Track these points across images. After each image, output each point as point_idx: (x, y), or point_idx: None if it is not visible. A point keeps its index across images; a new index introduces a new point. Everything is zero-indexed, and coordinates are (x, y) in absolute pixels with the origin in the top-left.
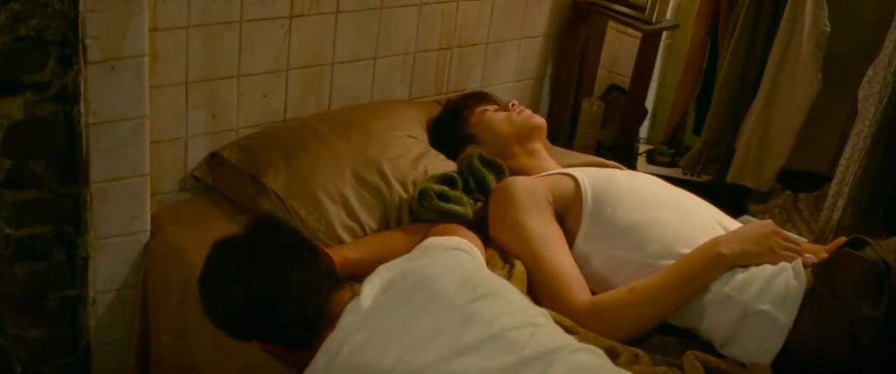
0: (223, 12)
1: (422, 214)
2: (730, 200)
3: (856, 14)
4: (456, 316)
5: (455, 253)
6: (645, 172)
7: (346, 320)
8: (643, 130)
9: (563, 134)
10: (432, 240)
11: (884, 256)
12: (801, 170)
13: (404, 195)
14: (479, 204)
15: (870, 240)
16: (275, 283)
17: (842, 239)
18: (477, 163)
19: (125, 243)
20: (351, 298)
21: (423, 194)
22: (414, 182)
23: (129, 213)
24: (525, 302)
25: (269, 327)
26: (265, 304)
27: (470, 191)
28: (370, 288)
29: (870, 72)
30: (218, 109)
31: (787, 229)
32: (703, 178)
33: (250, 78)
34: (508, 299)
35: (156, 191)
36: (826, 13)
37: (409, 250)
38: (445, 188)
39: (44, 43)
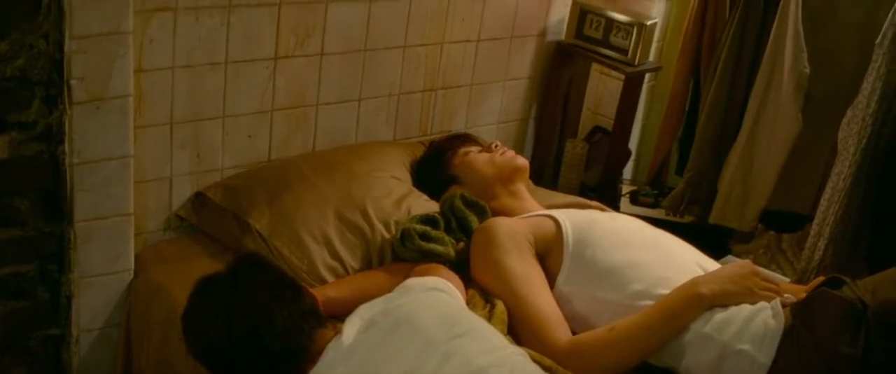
0: (208, 54)
1: (403, 254)
2: (713, 240)
3: (835, 56)
4: (435, 354)
5: (434, 293)
6: (628, 213)
7: (328, 356)
8: (627, 171)
9: (547, 175)
10: (412, 280)
11: (861, 295)
12: (784, 210)
13: (387, 236)
14: (462, 244)
15: (847, 279)
16: (257, 320)
17: (820, 278)
18: (459, 204)
19: (109, 281)
20: (333, 336)
21: (404, 234)
22: (396, 223)
23: (113, 252)
24: (503, 341)
25: (251, 364)
26: (248, 340)
27: (452, 231)
28: (351, 327)
29: (849, 113)
30: (203, 150)
31: (772, 270)
32: (687, 218)
33: (235, 118)
34: (487, 338)
35: (140, 230)
36: (805, 55)
37: (390, 289)
38: (428, 228)
39: (29, 83)
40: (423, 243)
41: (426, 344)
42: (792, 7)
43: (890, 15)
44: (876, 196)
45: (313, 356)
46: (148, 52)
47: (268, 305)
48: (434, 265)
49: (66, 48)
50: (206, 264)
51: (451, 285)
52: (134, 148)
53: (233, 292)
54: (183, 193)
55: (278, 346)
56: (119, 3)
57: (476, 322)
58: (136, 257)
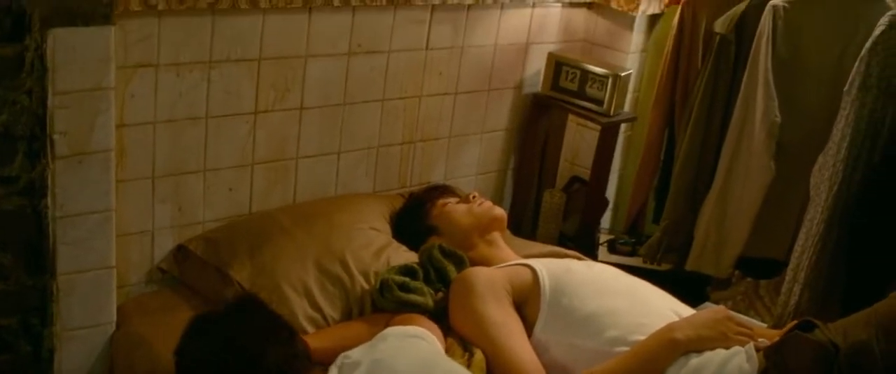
0: (189, 108)
1: (383, 304)
2: (690, 287)
3: (805, 104)
4: None
5: (413, 340)
6: (606, 262)
7: None
8: (605, 221)
9: (526, 225)
10: (391, 329)
11: (832, 337)
12: (760, 257)
13: (366, 287)
14: (440, 294)
15: (819, 322)
16: (251, 358)
17: (793, 322)
18: (437, 254)
19: (91, 334)
20: None
21: (383, 285)
22: (376, 273)
23: (96, 305)
24: None
25: None
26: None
27: (431, 282)
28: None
29: (820, 159)
30: (184, 203)
31: (750, 316)
32: (664, 266)
33: (216, 172)
34: None
35: (122, 283)
36: (776, 104)
37: (370, 338)
38: (407, 279)
39: (12, 138)
40: (402, 294)
41: None
42: (762, 57)
43: (857, 63)
44: (849, 241)
45: None
46: (130, 107)
47: (262, 344)
48: (413, 315)
49: (49, 103)
50: (188, 317)
51: (429, 333)
52: (116, 202)
53: (228, 330)
54: (165, 246)
55: None
56: (101, 59)
57: (454, 369)
58: (119, 309)
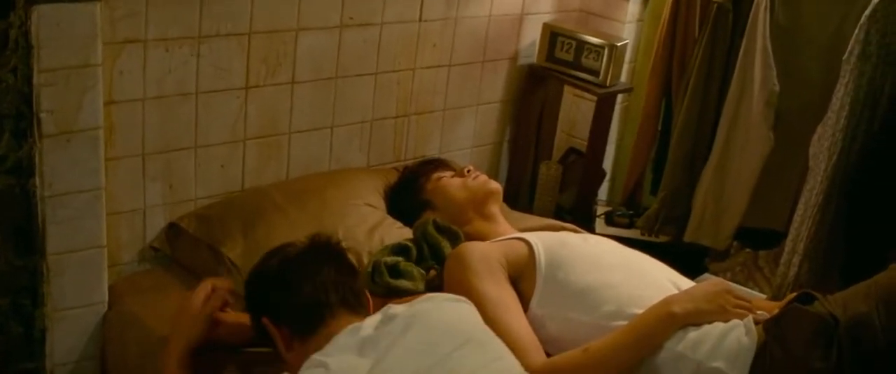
0: (179, 84)
1: (373, 289)
2: (689, 259)
3: (803, 73)
4: (438, 368)
5: (457, 303)
6: (604, 234)
7: (341, 340)
8: (602, 192)
9: (522, 198)
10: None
11: (832, 310)
12: (759, 228)
13: (358, 266)
14: (433, 272)
15: (818, 294)
16: (308, 266)
17: (792, 295)
18: (431, 230)
19: (83, 314)
20: (355, 322)
21: (375, 269)
22: (369, 253)
23: (87, 285)
24: (505, 354)
25: (279, 300)
26: (288, 276)
27: (425, 259)
28: (372, 319)
29: (819, 129)
30: (175, 180)
31: (749, 287)
32: (662, 238)
33: (207, 149)
34: (490, 349)
35: (114, 262)
36: (774, 73)
37: None
38: (400, 259)
39: None
40: (391, 280)
41: (430, 355)
42: (760, 26)
43: (856, 31)
44: (848, 211)
45: (329, 328)
46: (118, 84)
47: (323, 262)
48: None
49: (35, 81)
50: (181, 295)
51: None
52: (106, 180)
53: (303, 249)
54: (156, 224)
55: (309, 292)
56: (88, 35)
57: (483, 334)
58: (110, 289)
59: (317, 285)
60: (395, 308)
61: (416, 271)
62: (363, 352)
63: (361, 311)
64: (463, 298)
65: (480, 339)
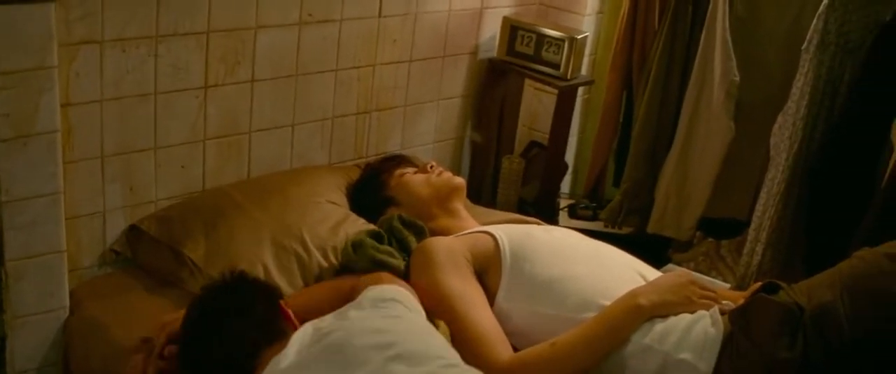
0: (136, 85)
1: (355, 261)
2: (652, 250)
3: (763, 63)
4: None
5: (389, 305)
6: (568, 227)
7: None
8: (565, 185)
9: (485, 192)
10: (369, 291)
11: (797, 299)
12: (721, 218)
13: (324, 263)
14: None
15: (783, 284)
16: (212, 327)
17: (757, 284)
18: (398, 224)
19: (44, 320)
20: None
21: (359, 244)
22: (334, 248)
23: (47, 290)
24: (443, 354)
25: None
26: (200, 348)
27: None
28: (291, 346)
29: (780, 119)
30: (135, 182)
31: (712, 276)
32: (625, 229)
33: (167, 150)
34: (424, 361)
35: (75, 266)
36: (734, 63)
37: (336, 298)
38: (375, 242)
39: None
40: (376, 253)
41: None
42: (719, 16)
43: (815, 20)
44: (810, 199)
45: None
46: (75, 86)
47: (225, 319)
48: (381, 273)
49: None
50: (143, 298)
51: (406, 292)
52: (64, 184)
53: (202, 309)
54: (117, 227)
55: (222, 359)
56: (43, 36)
57: (419, 341)
58: (71, 294)
59: (229, 345)
60: (314, 325)
61: (397, 251)
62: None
63: (282, 336)
64: (395, 294)
65: (412, 349)
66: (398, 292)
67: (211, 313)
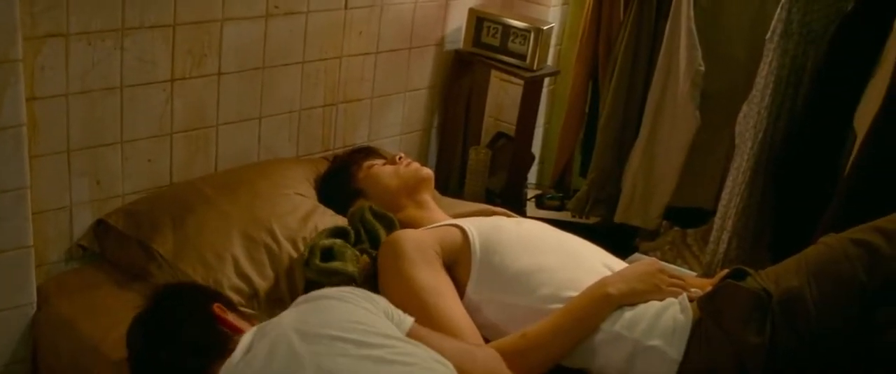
0: (102, 79)
1: (307, 273)
2: (619, 240)
3: (728, 53)
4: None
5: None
6: (535, 217)
7: None
8: (531, 176)
9: (453, 183)
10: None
11: (765, 285)
12: (687, 206)
13: (294, 254)
14: (366, 259)
15: (751, 270)
16: (154, 354)
17: (725, 271)
18: (369, 216)
19: (11, 316)
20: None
21: (310, 253)
22: (304, 239)
23: (14, 285)
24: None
25: None
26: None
27: (362, 243)
28: (241, 345)
29: (744, 108)
30: (102, 176)
31: (679, 265)
32: (592, 219)
33: (134, 143)
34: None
35: (41, 262)
36: (699, 53)
37: None
38: (338, 241)
39: None
40: (321, 263)
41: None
42: (684, 7)
43: (778, 10)
44: (775, 187)
45: None
46: (40, 80)
47: (164, 346)
48: None
49: None
50: (112, 293)
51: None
52: (30, 178)
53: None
54: (84, 221)
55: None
56: (7, 29)
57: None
58: (39, 289)
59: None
60: (264, 330)
61: (351, 252)
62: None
63: (224, 347)
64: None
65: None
66: (342, 292)
67: (145, 350)
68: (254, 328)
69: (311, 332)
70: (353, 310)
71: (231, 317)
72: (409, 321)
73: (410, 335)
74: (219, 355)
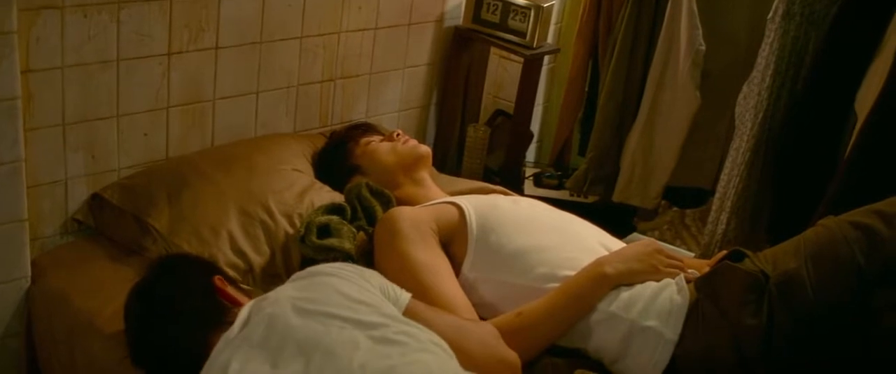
0: (98, 52)
1: (303, 251)
2: (617, 219)
3: (729, 32)
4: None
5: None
6: (533, 195)
7: (217, 349)
8: (530, 154)
9: (450, 160)
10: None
11: (762, 266)
12: (686, 186)
13: (289, 229)
14: (362, 236)
15: (748, 252)
16: (155, 328)
17: (722, 253)
18: (365, 193)
19: (5, 290)
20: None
21: (306, 230)
22: (300, 215)
23: (8, 259)
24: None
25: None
26: (149, 350)
27: (358, 219)
28: (240, 318)
29: (745, 88)
30: (98, 150)
31: (676, 245)
32: (591, 198)
33: (130, 117)
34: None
35: (36, 236)
36: (700, 32)
37: None
38: (334, 218)
39: None
40: (317, 240)
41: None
42: None
43: None
44: (774, 168)
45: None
46: (35, 52)
47: (168, 320)
48: None
49: None
50: (106, 268)
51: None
52: (25, 151)
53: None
54: (79, 195)
55: (173, 355)
56: (1, 1)
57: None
58: (33, 263)
59: (174, 344)
60: (258, 303)
61: (347, 229)
62: (242, 347)
63: (224, 318)
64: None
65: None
66: (339, 269)
67: (144, 319)
68: (251, 303)
69: (307, 309)
70: (349, 287)
71: (231, 290)
72: (406, 297)
73: (407, 311)
74: (217, 326)
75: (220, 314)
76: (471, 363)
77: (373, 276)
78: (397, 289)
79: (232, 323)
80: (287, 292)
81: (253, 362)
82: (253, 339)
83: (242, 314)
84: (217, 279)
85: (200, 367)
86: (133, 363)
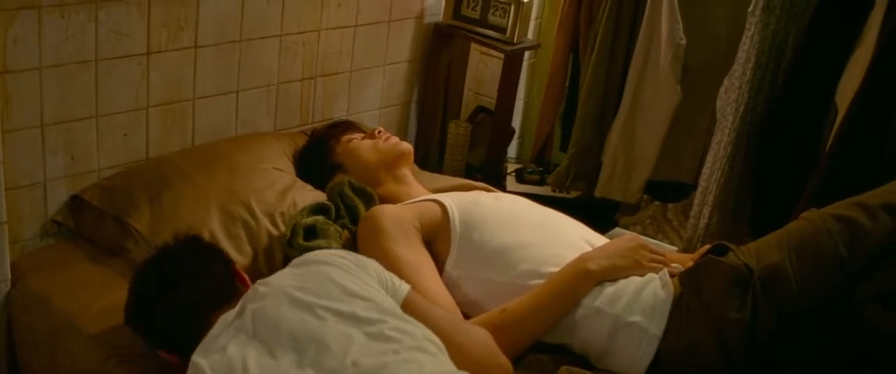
0: (76, 52)
1: (290, 252)
2: (600, 214)
3: (710, 26)
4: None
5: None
6: (515, 192)
7: (215, 333)
8: (512, 150)
9: (432, 157)
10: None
11: (746, 260)
12: (668, 180)
13: (271, 229)
14: (346, 234)
15: (732, 246)
16: (164, 296)
17: (706, 247)
18: (348, 191)
19: None
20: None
21: (293, 232)
22: (282, 214)
23: None
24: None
25: (158, 336)
26: (153, 317)
27: (341, 218)
28: (237, 306)
29: (726, 82)
30: (77, 151)
31: (659, 239)
32: (573, 194)
33: (109, 118)
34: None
35: (15, 238)
36: (681, 26)
37: None
38: (319, 218)
39: None
40: (304, 242)
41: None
42: None
43: None
44: (756, 162)
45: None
46: (12, 53)
47: (176, 288)
48: None
49: None
50: (87, 270)
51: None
52: (3, 153)
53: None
54: (58, 197)
55: (177, 327)
56: None
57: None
58: (13, 266)
59: (180, 312)
60: (257, 288)
61: (334, 229)
62: (238, 335)
63: (234, 294)
64: (330, 258)
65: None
66: (333, 257)
67: (168, 275)
68: (250, 289)
69: (303, 299)
70: (347, 278)
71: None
72: (405, 288)
73: (406, 303)
74: (227, 301)
75: (234, 293)
76: (470, 363)
77: (370, 265)
78: (396, 280)
79: (233, 308)
80: (285, 280)
81: (249, 347)
82: (247, 327)
83: (241, 301)
84: (235, 265)
85: (191, 337)
86: (127, 322)
